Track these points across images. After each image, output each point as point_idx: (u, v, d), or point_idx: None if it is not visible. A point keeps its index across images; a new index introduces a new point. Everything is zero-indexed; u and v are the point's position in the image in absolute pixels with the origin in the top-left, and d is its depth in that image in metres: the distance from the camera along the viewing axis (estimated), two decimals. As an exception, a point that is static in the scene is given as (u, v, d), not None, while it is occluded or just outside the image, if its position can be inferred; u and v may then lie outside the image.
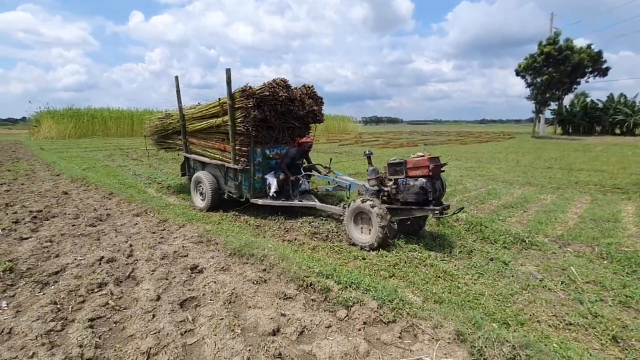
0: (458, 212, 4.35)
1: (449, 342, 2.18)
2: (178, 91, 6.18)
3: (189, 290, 2.89)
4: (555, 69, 28.99)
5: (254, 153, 5.18)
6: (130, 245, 3.85)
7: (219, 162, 5.50)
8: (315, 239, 4.43)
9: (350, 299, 2.64)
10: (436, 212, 3.69)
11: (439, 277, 3.24)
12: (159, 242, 3.98)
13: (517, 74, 31.80)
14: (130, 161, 12.51)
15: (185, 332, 2.36)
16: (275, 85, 5.01)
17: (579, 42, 31.15)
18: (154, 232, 4.33)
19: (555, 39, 29.24)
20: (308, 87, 5.72)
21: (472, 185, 7.80)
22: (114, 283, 2.99)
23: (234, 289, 2.84)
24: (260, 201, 5.24)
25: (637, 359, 2.16)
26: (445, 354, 2.09)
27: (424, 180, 3.71)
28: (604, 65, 31.00)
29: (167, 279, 3.06)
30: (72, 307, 2.61)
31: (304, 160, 5.64)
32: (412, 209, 3.87)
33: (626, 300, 2.82)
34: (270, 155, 5.48)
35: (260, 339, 2.25)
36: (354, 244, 4.07)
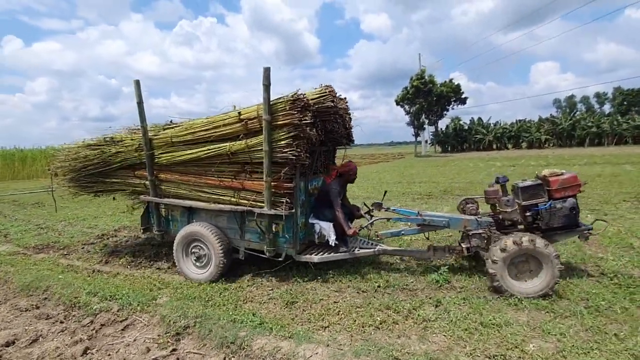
0: (604, 228, 3.87)
1: (154, 324, 2.94)
2: (140, 103, 4.22)
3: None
4: (424, 99, 34.67)
5: (297, 190, 3.71)
6: None
7: (231, 206, 3.84)
8: (129, 267, 4.66)
9: (100, 307, 3.24)
10: (587, 232, 3.36)
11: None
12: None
13: (397, 103, 37.06)
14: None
15: None
16: (333, 94, 3.72)
17: (455, 75, 37.98)
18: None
19: (422, 75, 35.13)
20: (343, 99, 4.25)
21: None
22: None
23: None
24: (316, 258, 3.76)
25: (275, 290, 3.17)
26: (147, 333, 2.84)
27: (573, 200, 3.32)
28: (463, 95, 38.24)
29: None
30: None
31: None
32: (556, 235, 3.41)
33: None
34: (311, 191, 4.14)
35: (-11, 351, 2.70)
36: (497, 291, 3.18)
